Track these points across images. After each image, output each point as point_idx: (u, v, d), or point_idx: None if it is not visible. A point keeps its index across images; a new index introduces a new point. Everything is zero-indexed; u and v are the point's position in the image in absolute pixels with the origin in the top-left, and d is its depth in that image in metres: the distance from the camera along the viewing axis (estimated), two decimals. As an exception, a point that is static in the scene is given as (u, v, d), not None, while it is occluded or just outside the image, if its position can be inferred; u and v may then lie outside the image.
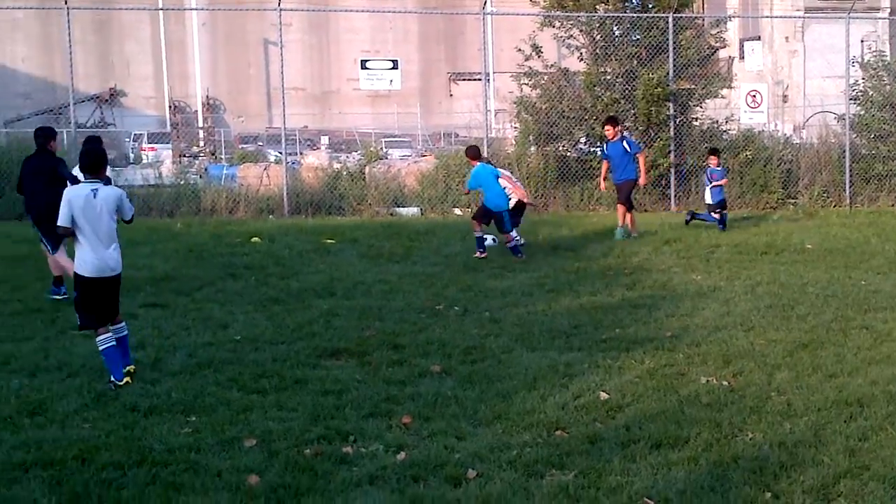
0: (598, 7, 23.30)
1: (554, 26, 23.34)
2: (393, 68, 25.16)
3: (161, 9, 49.31)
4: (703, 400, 7.67)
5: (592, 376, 8.36)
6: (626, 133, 17.89)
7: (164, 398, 7.59)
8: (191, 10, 49.53)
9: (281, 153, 25.79)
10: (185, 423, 7.03)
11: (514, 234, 15.30)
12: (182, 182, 22.48)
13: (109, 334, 8.26)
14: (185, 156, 37.60)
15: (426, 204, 22.17)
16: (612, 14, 23.04)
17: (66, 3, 21.86)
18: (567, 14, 23.21)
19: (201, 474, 6.03)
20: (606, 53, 23.02)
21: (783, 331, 10.10)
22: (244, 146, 42.12)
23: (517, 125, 23.89)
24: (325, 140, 48.65)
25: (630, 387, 8.03)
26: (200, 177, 24.82)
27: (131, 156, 42.84)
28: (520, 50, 22.85)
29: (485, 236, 15.59)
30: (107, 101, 52.87)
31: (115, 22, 52.50)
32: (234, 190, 22.35)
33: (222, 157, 40.51)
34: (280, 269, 14.06)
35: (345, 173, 23.41)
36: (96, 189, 8.24)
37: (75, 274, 8.33)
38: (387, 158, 28.90)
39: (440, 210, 21.83)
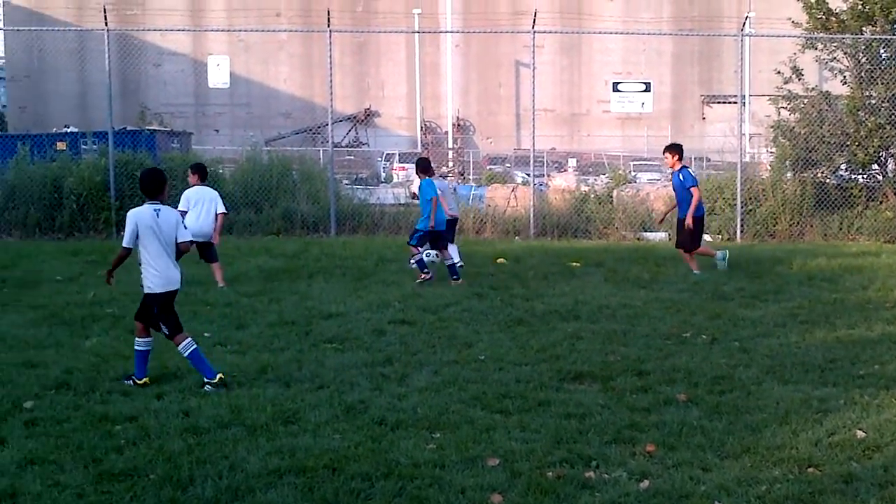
0: (864, 29, 22.44)
1: (816, 48, 22.62)
2: (645, 91, 25.06)
3: (417, 31, 50.58)
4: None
5: (848, 413, 7.98)
6: (685, 165, 16.42)
7: (410, 413, 7.73)
8: (446, 32, 50.67)
9: (528, 174, 26.00)
10: (430, 438, 7.14)
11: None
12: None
13: (189, 339, 8.77)
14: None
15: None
16: (879, 37, 22.13)
17: (328, 26, 22.77)
18: (831, 36, 22.45)
19: (445, 490, 6.10)
20: (872, 77, 22.11)
21: None
22: (492, 167, 42.71)
23: (773, 150, 23.23)
24: (572, 162, 48.69)
25: (889, 426, 7.63)
26: (449, 197, 25.24)
27: (382, 175, 44.10)
28: (779, 72, 22.26)
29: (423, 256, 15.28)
30: (362, 121, 54.67)
31: (373, 45, 54.31)
32: (481, 210, 22.66)
33: (470, 177, 41.18)
34: (525, 290, 14.13)
35: (592, 196, 23.37)
36: (158, 209, 8.83)
37: (146, 294, 8.82)
38: (635, 182, 28.64)
39: (688, 235, 21.44)
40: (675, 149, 16.35)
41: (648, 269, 16.33)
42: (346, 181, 32.13)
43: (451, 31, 50.64)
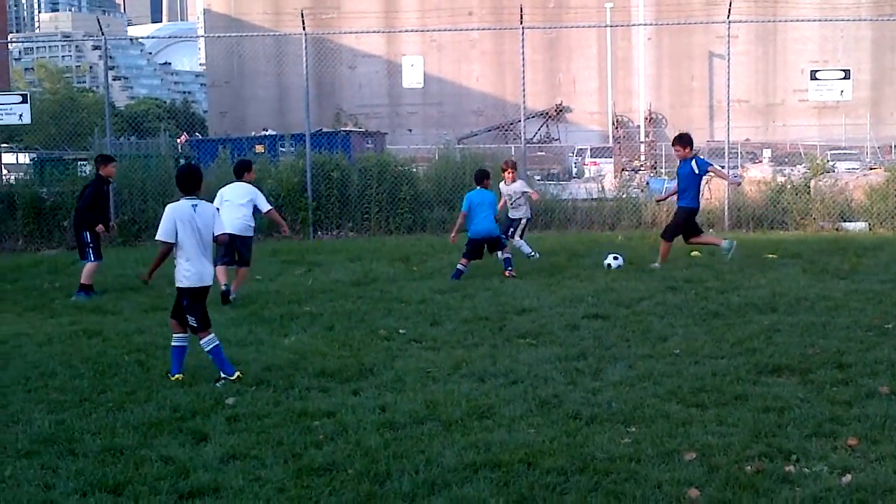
0: None
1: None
2: (844, 78, 24.23)
3: (609, 25, 50.38)
4: None
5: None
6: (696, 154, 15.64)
7: (605, 407, 7.77)
8: (638, 25, 50.25)
9: (722, 167, 25.59)
10: (625, 433, 7.17)
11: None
12: (623, 196, 22.88)
13: (213, 335, 8.98)
14: (626, 170, 38.14)
15: (875, 219, 21.16)
16: None
17: (521, 23, 22.95)
18: None
19: (642, 485, 6.14)
20: None
21: None
22: (685, 159, 42.04)
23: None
24: (767, 153, 47.59)
25: None
26: (641, 191, 25.12)
27: (574, 170, 44.05)
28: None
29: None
30: (553, 117, 54.74)
31: (564, 40, 54.31)
32: (673, 203, 22.41)
33: (663, 170, 40.73)
34: (720, 283, 13.96)
35: (788, 187, 22.83)
36: (196, 205, 8.96)
37: (179, 288, 9.01)
38: (833, 171, 27.81)
39: (890, 225, 20.75)
40: (683, 140, 15.83)
41: (848, 260, 15.89)
42: (538, 177, 32.26)
43: (644, 24, 50.15)
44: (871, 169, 28.56)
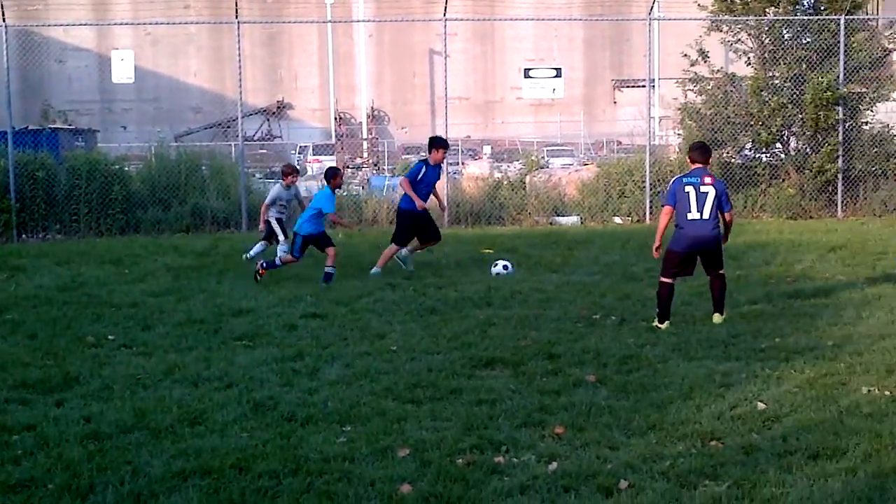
0: (767, 10, 22.89)
1: (721, 31, 23.02)
2: (556, 76, 25.23)
3: (329, 21, 50.34)
4: (864, 410, 7.47)
5: (750, 386, 8.21)
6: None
7: (321, 408, 7.73)
8: (358, 22, 50.50)
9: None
10: (340, 432, 7.15)
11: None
12: (345, 193, 22.94)
13: None
14: (348, 167, 38.34)
15: (586, 213, 22.10)
16: (782, 17, 22.58)
17: (237, 16, 22.59)
18: (735, 18, 22.86)
19: (355, 483, 6.13)
20: (775, 57, 22.56)
21: (953, 341, 9.75)
22: (407, 156, 42.72)
23: (681, 132, 23.59)
24: (487, 149, 48.94)
25: (788, 397, 7.87)
26: (363, 188, 25.28)
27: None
28: (685, 55, 22.60)
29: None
30: (274, 113, 54.33)
31: (285, 35, 53.93)
32: (395, 201, 22.68)
33: (385, 168, 41.16)
34: (438, 279, 14.21)
35: (505, 183, 23.52)
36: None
37: None
38: (548, 167, 28.89)
39: (600, 219, 21.74)
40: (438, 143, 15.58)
41: (560, 254, 16.52)
42: (259, 175, 31.88)
43: (364, 21, 50.48)
44: (584, 165, 29.86)
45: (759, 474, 6.20)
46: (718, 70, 22.92)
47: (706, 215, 10.76)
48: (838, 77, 21.71)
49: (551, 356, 9.40)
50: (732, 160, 22.81)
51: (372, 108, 54.68)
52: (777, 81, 22.53)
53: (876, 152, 22.04)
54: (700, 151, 11.28)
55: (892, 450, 6.60)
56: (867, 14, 27.40)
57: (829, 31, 22.11)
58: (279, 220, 16.36)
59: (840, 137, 21.88)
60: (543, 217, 22.04)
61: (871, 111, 22.68)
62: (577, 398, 7.93)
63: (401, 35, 53.97)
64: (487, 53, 55.66)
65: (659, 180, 22.05)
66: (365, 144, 50.79)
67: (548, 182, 23.47)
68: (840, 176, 21.84)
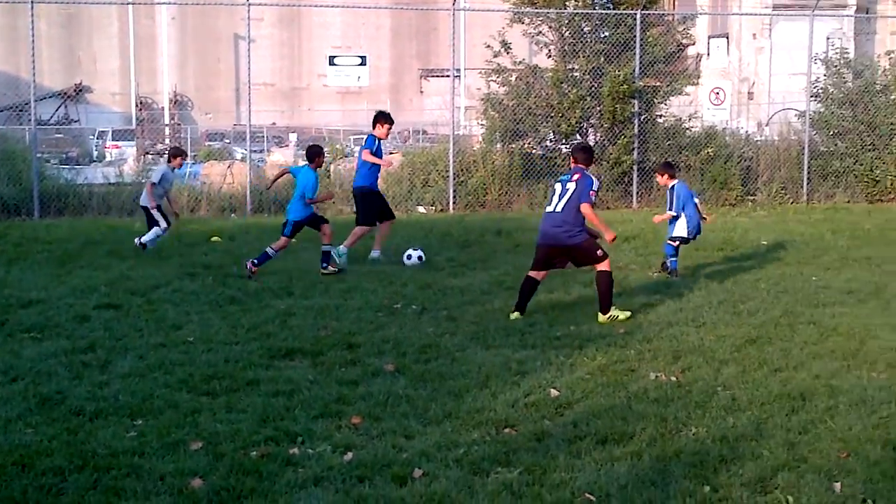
0: (567, 4, 23.39)
1: (523, 23, 23.39)
2: (361, 65, 25.16)
3: (130, 3, 48.98)
4: (651, 395, 7.75)
5: (544, 374, 8.41)
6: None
7: (112, 401, 7.51)
8: (160, 3, 49.28)
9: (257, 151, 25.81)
10: (131, 426, 6.97)
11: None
12: (144, 180, 22.33)
13: None
14: (149, 153, 37.40)
15: (390, 202, 22.11)
16: (581, 11, 23.12)
17: (29, -3, 21.76)
18: (537, 11, 23.26)
19: (144, 478, 5.99)
20: (574, 50, 23.09)
21: (733, 326, 10.25)
22: (210, 143, 41.99)
23: (484, 122, 23.89)
24: (293, 137, 48.52)
25: (580, 383, 8.09)
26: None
27: (95, 153, 42.47)
28: (488, 46, 22.89)
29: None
30: (72, 97, 52.55)
31: (84, 16, 52.24)
32: (196, 188, 22.27)
33: (189, 154, 40.32)
34: (239, 268, 14.00)
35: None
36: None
37: None
38: (354, 156, 28.81)
39: (404, 208, 21.82)
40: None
41: (363, 243, 16.48)
42: (54, 161, 30.77)
43: (166, 3, 49.25)
44: (391, 154, 29.91)
45: (550, 460, 6.35)
46: (521, 62, 23.30)
47: (558, 209, 10.85)
48: (634, 71, 22.38)
49: (351, 346, 9.40)
50: (534, 151, 23.24)
51: (175, 93, 53.54)
52: (577, 74, 23.05)
53: (669, 145, 22.83)
54: (582, 152, 11.33)
55: (675, 433, 6.88)
56: (663, 10, 28.38)
57: (626, 25, 22.76)
58: (159, 207, 15.71)
59: (636, 130, 22.56)
60: (348, 206, 21.96)
61: (665, 104, 23.47)
62: (375, 388, 7.95)
63: (205, 18, 53.01)
64: (294, 39, 55.19)
65: (462, 170, 22.30)
66: (167, 130, 49.64)
67: (353, 170, 23.38)
68: (635, 168, 22.52)
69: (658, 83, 23.27)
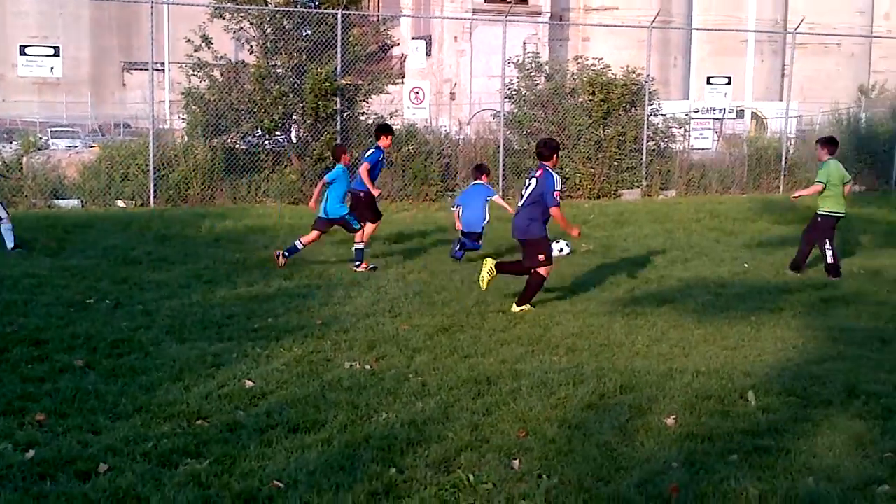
0: (268, 0, 23.28)
1: (225, 18, 23.10)
2: (55, 55, 24.12)
3: None
4: (345, 384, 7.89)
5: (240, 365, 8.41)
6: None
7: None
8: None
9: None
10: None
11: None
12: None
13: None
14: None
15: (88, 196, 21.41)
16: (282, 8, 23.05)
17: None
18: (238, 7, 23.02)
19: None
20: (277, 47, 23.03)
21: (427, 316, 10.56)
22: None
23: (185, 116, 23.45)
24: (-10, 128, 46.02)
25: (276, 374, 8.14)
26: None
27: None
28: (189, 40, 22.48)
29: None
30: None
31: None
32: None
33: None
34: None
35: (1, 163, 22.25)
36: None
37: None
38: (48, 148, 27.64)
39: (102, 202, 21.15)
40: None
41: (56, 237, 15.91)
42: None
43: None
44: (91, 147, 28.90)
45: (241, 450, 6.37)
46: (223, 56, 23.03)
47: (520, 204, 11.24)
48: (336, 69, 22.56)
49: (38, 342, 9.07)
50: (237, 146, 23.03)
51: None
52: (280, 71, 23.02)
53: (372, 142, 23.09)
54: (542, 147, 11.48)
55: (366, 420, 7.04)
56: (366, 10, 28.73)
57: (327, 23, 22.91)
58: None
59: (338, 127, 22.76)
60: (41, 200, 21.09)
61: (368, 102, 23.78)
62: (62, 384, 7.73)
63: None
64: (-9, 27, 52.40)
65: (163, 164, 21.82)
66: None
67: (46, 163, 22.47)
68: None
69: (360, 81, 23.56)
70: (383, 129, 15.43)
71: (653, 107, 25.67)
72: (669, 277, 13.40)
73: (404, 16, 41.89)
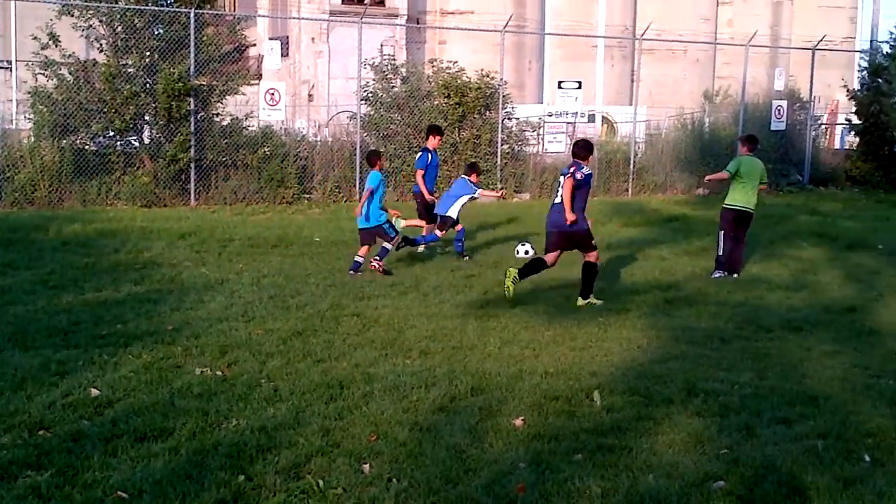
0: (120, -2, 22.77)
1: (73, 15, 22.48)
2: None
3: None
4: (195, 391, 7.79)
5: (86, 373, 8.22)
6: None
7: None
8: None
9: None
10: None
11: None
12: None
13: None
14: None
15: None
16: (133, 7, 22.54)
17: None
18: (87, 4, 22.44)
19: None
20: (128, 46, 22.52)
21: (281, 320, 10.49)
22: None
23: (32, 116, 22.76)
24: None
25: (123, 382, 7.99)
26: None
27: None
28: (36, 38, 21.84)
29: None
30: None
31: None
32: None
33: None
34: None
35: None
36: None
37: None
38: None
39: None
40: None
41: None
42: None
43: None
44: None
45: (84, 460, 6.24)
46: (72, 55, 22.43)
47: (556, 200, 11.95)
48: (189, 69, 22.20)
49: None
50: (86, 147, 22.45)
51: None
52: (131, 70, 22.53)
53: (226, 143, 22.86)
54: (579, 147, 12.19)
55: (215, 427, 6.96)
56: (220, 9, 28.29)
57: (180, 22, 22.52)
58: None
59: (192, 128, 22.37)
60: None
61: (222, 103, 23.45)
62: None
63: None
64: None
65: (9, 165, 21.17)
66: None
67: None
68: (193, 165, 22.35)
69: (215, 82, 23.22)
70: (431, 129, 16.49)
71: (507, 110, 26.01)
72: (522, 280, 13.55)
73: (260, 16, 41.45)
